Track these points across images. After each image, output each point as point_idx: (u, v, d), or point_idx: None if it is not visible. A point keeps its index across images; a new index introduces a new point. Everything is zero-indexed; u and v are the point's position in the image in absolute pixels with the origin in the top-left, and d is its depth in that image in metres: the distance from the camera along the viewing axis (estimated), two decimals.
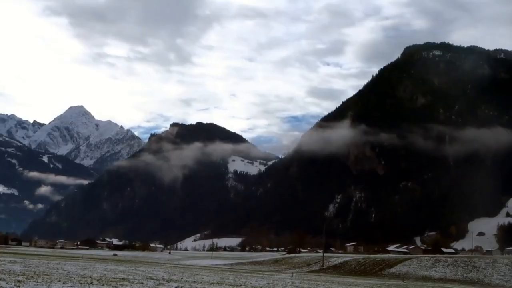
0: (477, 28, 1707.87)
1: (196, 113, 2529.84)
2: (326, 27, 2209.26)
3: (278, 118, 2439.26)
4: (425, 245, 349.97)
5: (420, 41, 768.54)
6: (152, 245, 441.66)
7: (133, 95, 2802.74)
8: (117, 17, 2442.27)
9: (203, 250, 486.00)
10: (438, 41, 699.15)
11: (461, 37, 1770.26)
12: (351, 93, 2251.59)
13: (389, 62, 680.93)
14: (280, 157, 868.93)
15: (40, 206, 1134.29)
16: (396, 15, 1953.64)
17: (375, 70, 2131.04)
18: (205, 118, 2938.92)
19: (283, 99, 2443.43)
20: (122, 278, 48.03)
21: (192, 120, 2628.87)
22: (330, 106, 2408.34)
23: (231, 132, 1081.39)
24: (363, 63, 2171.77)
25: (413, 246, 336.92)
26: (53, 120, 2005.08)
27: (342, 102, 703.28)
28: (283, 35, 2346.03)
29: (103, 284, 39.98)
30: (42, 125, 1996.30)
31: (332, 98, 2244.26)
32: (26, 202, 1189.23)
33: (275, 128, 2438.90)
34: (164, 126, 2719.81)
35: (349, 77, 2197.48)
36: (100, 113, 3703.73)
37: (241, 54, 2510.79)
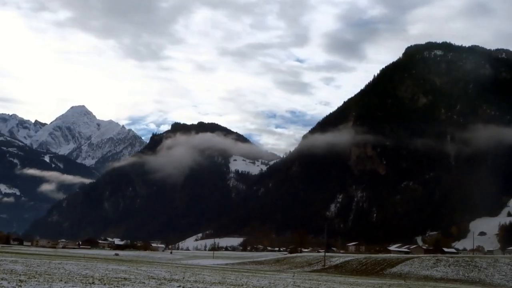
0: (433, 19, 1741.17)
1: (173, 110, 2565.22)
2: (290, 18, 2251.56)
3: (249, 113, 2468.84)
4: (426, 245, 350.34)
5: (420, 40, 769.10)
6: (153, 244, 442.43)
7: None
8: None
9: (205, 250, 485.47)
10: (439, 40, 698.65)
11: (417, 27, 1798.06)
12: (320, 85, 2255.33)
13: (391, 62, 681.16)
14: (282, 157, 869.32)
15: (41, 206, 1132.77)
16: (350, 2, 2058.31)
17: (343, 61, 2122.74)
18: (181, 115, 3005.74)
19: (252, 93, 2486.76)
20: (124, 278, 48.12)
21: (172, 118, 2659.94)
22: (300, 99, 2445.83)
23: (233, 132, 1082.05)
24: (329, 54, 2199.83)
25: (415, 246, 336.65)
26: (55, 120, 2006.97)
27: (344, 102, 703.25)
28: (249, 26, 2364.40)
29: (104, 284, 40.07)
30: (44, 125, 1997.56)
31: (301, 91, 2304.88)
32: (28, 202, 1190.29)
33: (249, 124, 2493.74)
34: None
35: (316, 68, 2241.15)
36: (101, 113, 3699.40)
37: (207, 48, 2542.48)
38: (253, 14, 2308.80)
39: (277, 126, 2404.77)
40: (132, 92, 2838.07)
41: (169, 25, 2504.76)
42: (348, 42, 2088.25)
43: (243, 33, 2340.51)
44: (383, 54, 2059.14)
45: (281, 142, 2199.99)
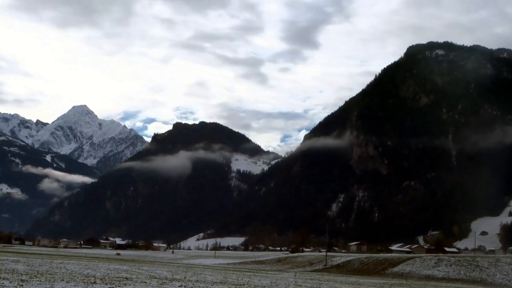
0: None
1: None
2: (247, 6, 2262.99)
3: (212, 108, 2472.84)
4: (428, 245, 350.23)
5: (421, 40, 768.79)
6: (155, 244, 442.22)
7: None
8: None
9: (206, 249, 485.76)
10: (441, 40, 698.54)
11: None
12: (282, 77, 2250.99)
13: (392, 62, 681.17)
14: (283, 156, 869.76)
15: (43, 205, 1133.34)
16: None
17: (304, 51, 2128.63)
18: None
19: (211, 86, 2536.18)
20: (125, 278, 48.11)
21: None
22: (262, 91, 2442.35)
23: (234, 131, 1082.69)
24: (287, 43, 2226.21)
25: (416, 246, 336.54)
26: (56, 120, 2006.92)
27: (345, 101, 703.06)
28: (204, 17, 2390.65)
29: (106, 283, 40.06)
30: (45, 124, 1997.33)
31: (263, 83, 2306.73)
32: (29, 201, 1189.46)
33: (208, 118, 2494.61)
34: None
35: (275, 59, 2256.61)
36: (103, 113, 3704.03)
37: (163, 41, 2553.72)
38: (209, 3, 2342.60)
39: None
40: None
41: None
42: (302, 29, 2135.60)
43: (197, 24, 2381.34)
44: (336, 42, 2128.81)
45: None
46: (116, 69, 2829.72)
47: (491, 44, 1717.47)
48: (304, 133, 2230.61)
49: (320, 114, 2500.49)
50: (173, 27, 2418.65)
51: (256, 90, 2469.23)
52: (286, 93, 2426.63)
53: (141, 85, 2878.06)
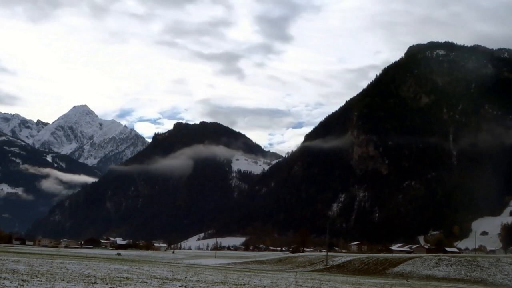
0: None
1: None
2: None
3: (195, 105, 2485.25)
4: (428, 245, 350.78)
5: (422, 40, 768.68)
6: (155, 244, 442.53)
7: None
8: None
9: (207, 249, 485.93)
10: (441, 40, 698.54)
11: None
12: (260, 72, 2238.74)
13: (393, 62, 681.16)
14: (284, 156, 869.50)
15: (44, 205, 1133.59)
16: None
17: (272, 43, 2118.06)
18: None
19: (191, 83, 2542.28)
20: (126, 277, 48.15)
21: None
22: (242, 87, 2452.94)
23: (235, 131, 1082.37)
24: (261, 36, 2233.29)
25: (417, 246, 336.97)
26: (57, 120, 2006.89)
27: (346, 101, 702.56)
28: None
29: (107, 283, 40.09)
30: (46, 124, 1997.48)
31: (242, 78, 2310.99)
32: (30, 201, 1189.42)
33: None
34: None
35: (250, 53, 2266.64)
36: (104, 112, 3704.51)
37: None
38: None
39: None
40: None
41: None
42: (274, 22, 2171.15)
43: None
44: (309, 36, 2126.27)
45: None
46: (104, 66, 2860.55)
47: (491, 44, 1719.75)
48: (291, 131, 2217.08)
49: (303, 111, 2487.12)
50: (147, 23, 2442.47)
51: (236, 86, 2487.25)
52: (266, 89, 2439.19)
53: (124, 84, 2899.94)
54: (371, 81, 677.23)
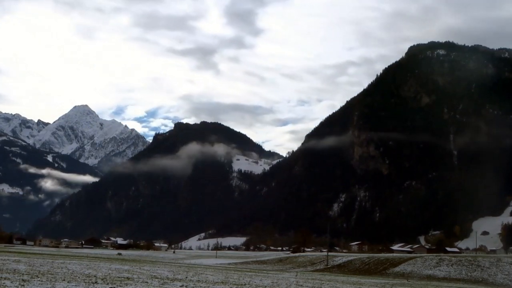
0: None
1: None
2: None
3: (175, 101, 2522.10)
4: (429, 244, 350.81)
5: (423, 40, 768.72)
6: (156, 244, 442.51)
7: None
8: None
9: (208, 249, 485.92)
10: (442, 40, 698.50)
11: None
12: (236, 67, 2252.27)
13: (394, 61, 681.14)
14: (285, 156, 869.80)
15: (44, 205, 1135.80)
16: None
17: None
18: None
19: (169, 80, 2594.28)
20: (127, 277, 48.19)
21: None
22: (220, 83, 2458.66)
23: (236, 131, 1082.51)
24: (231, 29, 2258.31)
25: (417, 245, 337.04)
26: (58, 120, 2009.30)
27: (347, 101, 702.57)
28: None
29: (107, 283, 40.13)
30: (47, 124, 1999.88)
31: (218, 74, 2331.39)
32: (31, 201, 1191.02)
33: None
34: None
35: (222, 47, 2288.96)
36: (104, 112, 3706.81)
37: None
38: None
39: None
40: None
41: None
42: (243, 14, 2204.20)
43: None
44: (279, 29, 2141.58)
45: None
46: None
47: (492, 43, 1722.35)
48: (277, 129, 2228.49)
49: (285, 108, 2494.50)
50: (116, 17, 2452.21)
51: (214, 82, 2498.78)
52: (245, 85, 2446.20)
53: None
54: (371, 81, 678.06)
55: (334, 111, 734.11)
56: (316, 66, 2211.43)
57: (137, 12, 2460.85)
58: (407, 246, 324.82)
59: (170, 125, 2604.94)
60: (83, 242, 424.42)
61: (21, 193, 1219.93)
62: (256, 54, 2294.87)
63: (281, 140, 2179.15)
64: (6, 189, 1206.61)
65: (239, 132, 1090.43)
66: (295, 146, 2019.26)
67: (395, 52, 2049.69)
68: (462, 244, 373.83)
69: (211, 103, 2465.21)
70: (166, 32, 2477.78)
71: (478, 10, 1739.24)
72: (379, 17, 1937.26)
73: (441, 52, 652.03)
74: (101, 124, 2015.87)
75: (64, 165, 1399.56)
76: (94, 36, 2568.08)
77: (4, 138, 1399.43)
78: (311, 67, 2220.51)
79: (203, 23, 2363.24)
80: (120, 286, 39.08)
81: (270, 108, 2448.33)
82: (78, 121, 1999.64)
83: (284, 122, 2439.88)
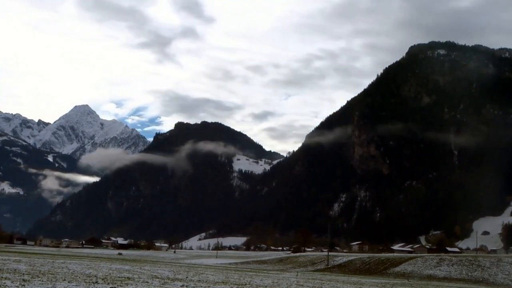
0: None
1: None
2: None
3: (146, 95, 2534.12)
4: (429, 244, 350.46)
5: (424, 40, 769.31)
6: (157, 244, 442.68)
7: None
8: None
9: (208, 249, 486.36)
10: (443, 40, 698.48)
11: None
12: (195, 60, 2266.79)
13: (394, 61, 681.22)
14: (285, 156, 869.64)
15: (45, 205, 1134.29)
16: None
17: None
18: None
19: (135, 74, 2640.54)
20: (127, 277, 48.15)
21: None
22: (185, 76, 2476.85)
23: (236, 131, 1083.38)
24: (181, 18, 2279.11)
25: (418, 245, 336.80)
26: (58, 119, 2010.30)
27: (347, 101, 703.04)
28: None
29: (108, 283, 40.09)
30: (47, 124, 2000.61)
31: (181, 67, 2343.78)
32: (31, 201, 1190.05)
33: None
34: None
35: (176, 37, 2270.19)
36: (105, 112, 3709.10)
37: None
38: None
39: None
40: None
41: None
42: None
43: None
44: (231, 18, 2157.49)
45: None
46: None
47: (493, 43, 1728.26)
48: (258, 125, 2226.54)
49: (252, 104, 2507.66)
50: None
51: (179, 76, 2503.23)
52: (209, 79, 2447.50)
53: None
54: (372, 81, 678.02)
55: (335, 110, 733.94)
56: (278, 60, 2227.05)
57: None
58: (408, 246, 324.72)
59: (138, 119, 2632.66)
60: (84, 242, 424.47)
61: (21, 193, 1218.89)
62: (211, 47, 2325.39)
63: (259, 137, 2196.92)
64: (7, 189, 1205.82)
65: (239, 132, 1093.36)
66: (275, 143, 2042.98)
67: (355, 45, 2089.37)
68: (462, 244, 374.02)
69: (179, 97, 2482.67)
70: (119, 23, 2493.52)
71: (432, 2, 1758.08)
72: (328, 7, 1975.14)
73: (442, 52, 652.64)
74: (102, 124, 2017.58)
75: (65, 165, 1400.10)
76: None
77: (4, 138, 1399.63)
78: (272, 58, 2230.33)
79: (153, 9, 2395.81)
80: (120, 286, 39.05)
81: (243, 104, 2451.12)
82: (79, 121, 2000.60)
83: (263, 117, 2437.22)
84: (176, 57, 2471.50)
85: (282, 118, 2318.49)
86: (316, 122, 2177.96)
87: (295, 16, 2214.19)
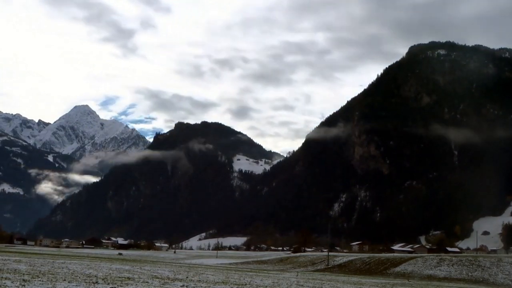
0: None
1: None
2: None
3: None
4: (430, 244, 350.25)
5: (424, 40, 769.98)
6: (157, 244, 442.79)
7: None
8: None
9: (208, 249, 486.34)
10: (443, 40, 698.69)
11: None
12: (161, 52, 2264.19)
13: (394, 61, 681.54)
14: (285, 156, 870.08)
15: (45, 205, 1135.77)
16: None
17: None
18: None
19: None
20: (127, 277, 48.11)
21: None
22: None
23: (236, 131, 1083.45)
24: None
25: (418, 245, 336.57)
26: (58, 119, 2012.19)
27: (347, 101, 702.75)
28: None
29: (108, 283, 40.05)
30: (47, 124, 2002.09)
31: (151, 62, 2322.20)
32: (31, 201, 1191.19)
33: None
34: None
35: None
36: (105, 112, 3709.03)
37: None
38: None
39: None
40: None
41: None
42: None
43: None
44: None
45: None
46: None
47: (493, 43, 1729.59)
48: (233, 122, 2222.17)
49: (227, 100, 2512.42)
50: None
51: (149, 71, 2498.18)
52: (181, 75, 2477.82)
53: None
54: (372, 81, 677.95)
55: (336, 110, 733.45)
56: (246, 54, 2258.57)
57: None
58: (408, 246, 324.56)
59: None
60: (84, 242, 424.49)
61: (21, 193, 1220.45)
62: (172, 42, 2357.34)
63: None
64: (7, 189, 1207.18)
65: (239, 132, 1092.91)
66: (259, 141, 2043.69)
67: (320, 39, 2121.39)
68: (462, 244, 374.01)
69: (158, 91, 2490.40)
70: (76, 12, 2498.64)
71: None
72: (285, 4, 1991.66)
73: (442, 52, 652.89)
74: (102, 124, 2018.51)
75: (65, 165, 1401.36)
76: None
77: (4, 138, 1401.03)
78: (242, 54, 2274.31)
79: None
80: (121, 286, 39.01)
81: (217, 101, 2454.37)
82: (79, 121, 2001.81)
83: (241, 114, 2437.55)
84: (140, 51, 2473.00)
85: (259, 114, 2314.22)
86: (294, 118, 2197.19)
87: (253, 9, 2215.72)
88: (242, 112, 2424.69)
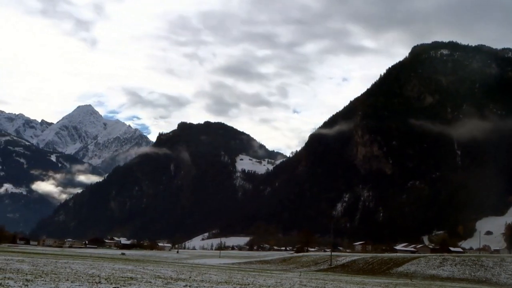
0: None
1: None
2: None
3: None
4: (432, 244, 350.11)
5: (427, 40, 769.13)
6: (160, 244, 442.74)
7: None
8: None
9: (211, 249, 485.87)
10: (446, 40, 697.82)
11: None
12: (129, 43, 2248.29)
13: (397, 61, 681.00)
14: (288, 156, 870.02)
15: (48, 205, 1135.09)
16: None
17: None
18: None
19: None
20: (130, 277, 48.18)
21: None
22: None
23: (239, 131, 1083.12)
24: None
25: (421, 245, 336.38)
26: (61, 119, 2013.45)
27: (350, 101, 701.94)
28: None
29: (111, 283, 40.10)
30: (50, 124, 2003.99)
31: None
32: (34, 201, 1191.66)
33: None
34: None
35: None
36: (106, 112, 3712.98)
37: None
38: None
39: None
40: None
41: None
42: None
43: None
44: None
45: None
46: None
47: (496, 43, 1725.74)
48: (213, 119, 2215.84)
49: (203, 95, 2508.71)
50: None
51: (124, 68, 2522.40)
52: (150, 70, 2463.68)
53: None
54: (375, 81, 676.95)
55: (338, 110, 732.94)
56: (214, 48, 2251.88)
57: None
58: (411, 246, 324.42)
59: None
60: (87, 242, 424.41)
61: (24, 193, 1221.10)
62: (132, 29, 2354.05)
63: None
64: (10, 189, 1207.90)
65: (242, 132, 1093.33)
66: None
67: (284, 32, 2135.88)
68: (465, 244, 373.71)
69: (133, 88, 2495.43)
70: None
71: None
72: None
73: (445, 52, 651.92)
74: (105, 124, 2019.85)
75: (68, 165, 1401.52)
76: None
77: (7, 138, 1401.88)
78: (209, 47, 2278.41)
79: None
80: (123, 286, 39.06)
81: (190, 99, 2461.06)
82: (82, 121, 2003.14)
83: (213, 111, 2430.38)
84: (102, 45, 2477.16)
85: (237, 110, 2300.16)
86: (273, 115, 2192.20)
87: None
88: (218, 109, 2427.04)
